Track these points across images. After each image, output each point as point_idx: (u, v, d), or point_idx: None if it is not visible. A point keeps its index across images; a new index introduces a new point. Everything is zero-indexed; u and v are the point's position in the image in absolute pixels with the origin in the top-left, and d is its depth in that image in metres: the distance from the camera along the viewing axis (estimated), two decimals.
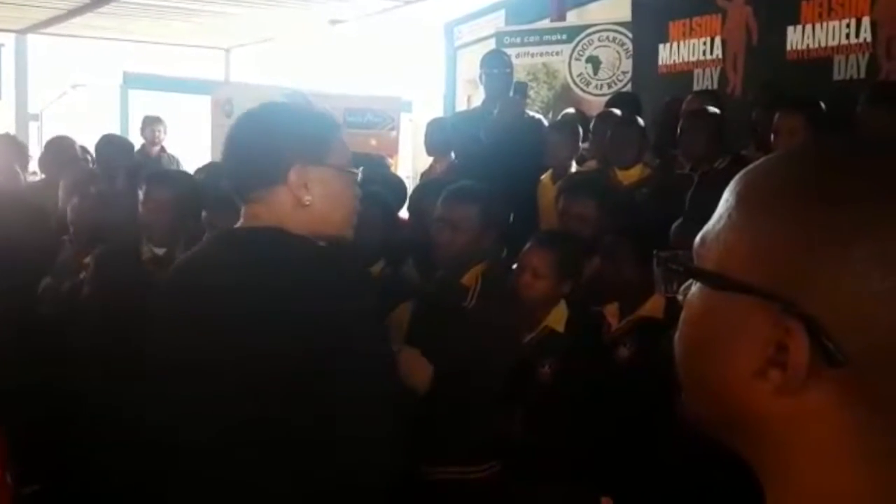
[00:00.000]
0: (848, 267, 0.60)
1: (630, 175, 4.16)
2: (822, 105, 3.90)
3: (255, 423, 1.64)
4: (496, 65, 4.89)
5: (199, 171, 5.02)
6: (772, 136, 3.76)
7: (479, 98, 5.26)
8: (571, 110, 5.62)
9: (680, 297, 0.75)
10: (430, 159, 5.90)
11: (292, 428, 1.64)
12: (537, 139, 4.50)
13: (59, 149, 5.22)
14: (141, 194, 3.42)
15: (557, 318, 2.69)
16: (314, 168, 1.77)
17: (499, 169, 4.00)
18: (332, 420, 1.62)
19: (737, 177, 0.70)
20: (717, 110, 4.13)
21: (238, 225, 1.81)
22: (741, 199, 0.67)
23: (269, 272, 1.68)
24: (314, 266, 1.73)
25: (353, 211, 1.87)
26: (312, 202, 1.76)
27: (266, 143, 1.78)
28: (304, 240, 1.76)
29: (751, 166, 0.70)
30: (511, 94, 4.92)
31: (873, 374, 0.60)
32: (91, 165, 5.20)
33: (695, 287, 0.71)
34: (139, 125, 8.09)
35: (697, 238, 0.71)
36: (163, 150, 7.70)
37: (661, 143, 4.71)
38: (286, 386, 1.62)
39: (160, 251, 3.38)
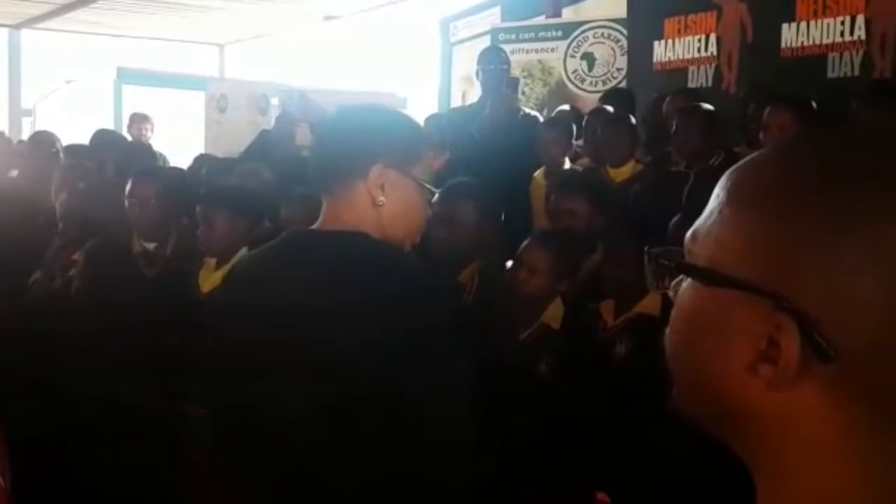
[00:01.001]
0: (838, 262, 0.60)
1: (622, 172, 4.15)
2: (813, 102, 3.90)
3: (343, 424, 1.65)
4: (492, 61, 4.88)
5: (197, 159, 5.01)
6: (761, 133, 3.77)
7: (474, 94, 5.26)
8: (566, 107, 5.62)
9: (671, 293, 0.75)
10: None
11: (380, 429, 1.65)
12: (532, 136, 4.49)
13: (41, 144, 5.23)
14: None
15: (553, 314, 2.70)
16: (395, 173, 1.77)
17: (493, 166, 4.00)
18: (418, 422, 1.64)
19: (727, 173, 0.70)
20: (709, 107, 4.13)
21: (319, 224, 1.79)
22: (731, 194, 0.67)
23: (360, 277, 1.68)
24: (402, 272, 1.75)
25: (421, 225, 1.89)
26: (385, 204, 1.76)
27: (355, 136, 1.79)
28: (389, 245, 1.78)
29: (741, 162, 0.70)
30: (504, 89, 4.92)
31: (864, 369, 0.60)
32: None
33: (686, 283, 0.71)
34: None
35: (688, 234, 0.71)
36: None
37: (652, 141, 4.72)
38: (375, 388, 1.63)
39: (150, 246, 3.38)
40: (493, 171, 3.65)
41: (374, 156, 1.76)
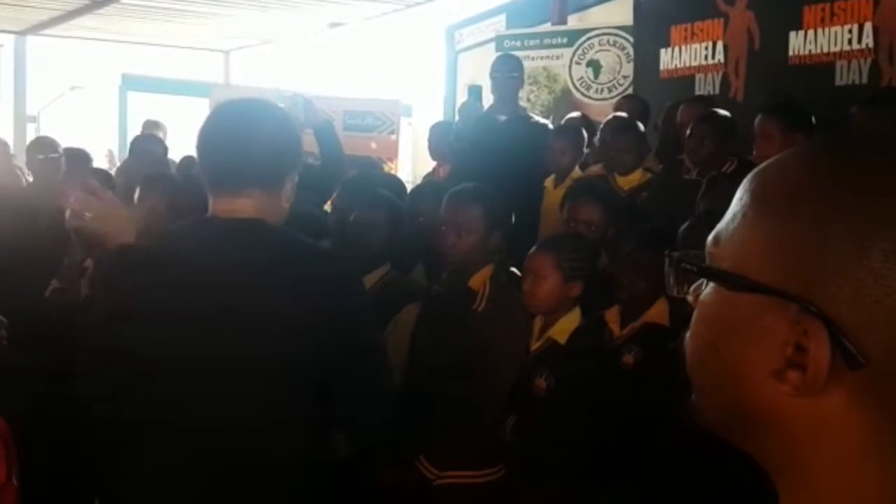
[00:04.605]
0: (866, 266, 0.59)
1: (630, 180, 4.15)
2: (806, 109, 3.89)
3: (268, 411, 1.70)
4: (499, 69, 4.86)
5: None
6: (755, 141, 3.77)
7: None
8: (577, 114, 5.60)
9: (690, 298, 0.74)
10: (431, 163, 5.90)
11: (302, 417, 1.73)
12: (542, 144, 4.47)
13: (43, 150, 5.24)
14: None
15: (563, 328, 2.65)
16: (294, 174, 1.88)
17: (478, 173, 3.95)
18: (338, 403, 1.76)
19: (750, 175, 0.69)
20: (726, 113, 4.12)
21: (222, 215, 1.81)
22: (756, 197, 0.67)
23: (278, 266, 1.74)
24: (323, 262, 1.83)
25: None
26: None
27: (288, 142, 1.86)
28: (297, 235, 1.86)
29: (764, 164, 0.69)
30: (509, 96, 4.90)
31: (891, 375, 0.59)
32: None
33: (709, 287, 0.70)
34: (138, 127, 8.08)
35: (710, 237, 0.70)
36: None
37: (665, 148, 4.70)
38: (303, 376, 1.71)
39: None
40: (478, 178, 3.62)
41: (290, 167, 1.86)
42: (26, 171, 5.62)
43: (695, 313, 0.71)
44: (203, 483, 1.71)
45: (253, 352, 1.67)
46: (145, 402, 1.73)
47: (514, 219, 2.98)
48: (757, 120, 3.76)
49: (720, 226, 0.69)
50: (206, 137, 1.85)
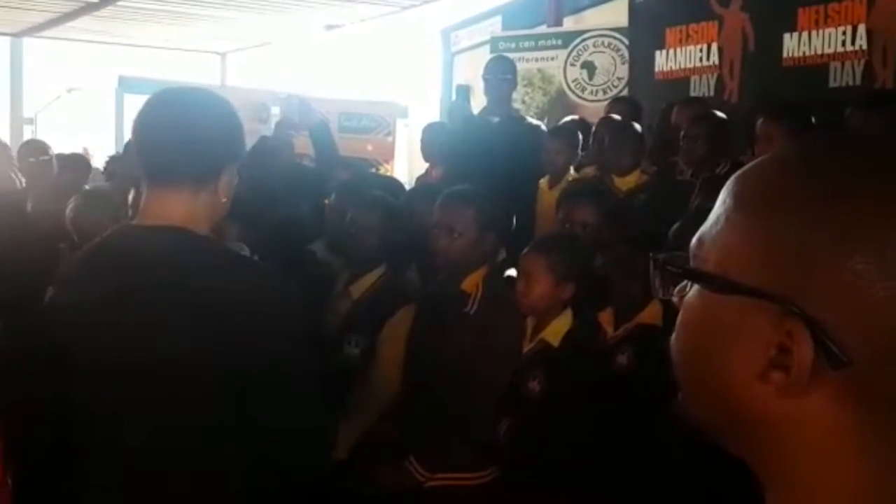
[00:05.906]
0: (848, 267, 0.59)
1: (627, 182, 4.15)
2: (807, 112, 3.89)
3: (188, 425, 1.66)
4: (491, 71, 4.85)
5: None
6: (754, 144, 3.77)
7: (475, 103, 5.22)
8: (575, 118, 5.60)
9: (675, 300, 0.74)
10: (426, 165, 5.89)
11: (223, 429, 1.67)
12: (535, 146, 4.47)
13: (34, 152, 5.24)
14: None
15: (555, 330, 2.64)
16: (234, 167, 1.78)
17: (476, 175, 3.93)
18: (263, 419, 1.67)
19: (733, 177, 0.69)
20: (721, 115, 4.12)
21: (144, 220, 1.75)
22: (739, 199, 0.67)
23: (199, 277, 1.66)
24: (242, 272, 1.74)
25: None
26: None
27: (222, 135, 1.76)
28: (221, 245, 1.80)
29: (747, 166, 0.70)
30: (502, 98, 4.90)
31: (874, 374, 0.60)
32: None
33: (693, 289, 0.70)
34: None
35: (694, 239, 0.70)
36: None
37: (658, 150, 4.71)
38: (219, 389, 1.65)
39: None
40: (472, 180, 3.61)
41: (234, 155, 1.77)
42: (19, 173, 5.62)
43: (679, 315, 0.72)
44: (142, 493, 1.69)
45: (170, 360, 1.64)
46: (79, 404, 1.74)
47: (514, 222, 2.98)
48: (759, 123, 3.75)
49: (704, 228, 0.70)
50: (140, 128, 1.75)
